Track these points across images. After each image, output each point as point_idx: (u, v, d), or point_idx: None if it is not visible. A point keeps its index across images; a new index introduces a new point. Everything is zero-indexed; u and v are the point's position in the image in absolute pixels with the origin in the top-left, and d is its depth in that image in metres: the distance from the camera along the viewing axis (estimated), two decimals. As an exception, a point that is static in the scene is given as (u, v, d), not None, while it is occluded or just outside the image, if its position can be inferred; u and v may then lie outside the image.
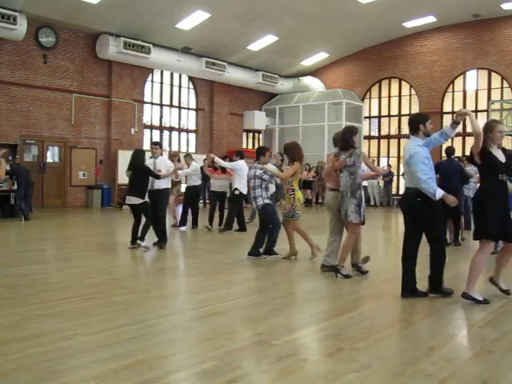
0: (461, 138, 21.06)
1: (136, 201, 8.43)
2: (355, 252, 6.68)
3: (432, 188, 5.09)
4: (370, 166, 7.29)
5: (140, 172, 8.45)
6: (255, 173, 7.86)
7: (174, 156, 12.12)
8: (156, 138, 19.98)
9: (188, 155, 12.05)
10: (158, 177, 8.59)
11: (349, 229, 6.49)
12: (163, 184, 8.88)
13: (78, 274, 6.55)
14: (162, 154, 9.36)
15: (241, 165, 11.09)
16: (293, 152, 7.58)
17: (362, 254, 6.82)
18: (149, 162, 8.79)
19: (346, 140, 6.52)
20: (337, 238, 6.81)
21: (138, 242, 8.44)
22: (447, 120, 21.35)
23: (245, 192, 10.95)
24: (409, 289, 5.37)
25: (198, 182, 11.56)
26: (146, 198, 8.56)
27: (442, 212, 5.37)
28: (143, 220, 8.65)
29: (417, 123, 5.69)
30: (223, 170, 11.59)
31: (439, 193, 5.11)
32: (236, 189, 10.89)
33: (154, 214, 8.61)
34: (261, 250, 7.88)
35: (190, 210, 11.62)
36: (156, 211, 8.68)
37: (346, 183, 6.38)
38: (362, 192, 6.52)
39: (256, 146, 24.41)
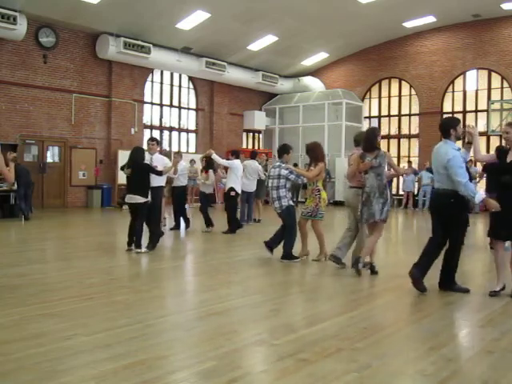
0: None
1: (139, 199, 8.07)
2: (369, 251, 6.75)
3: (472, 191, 5.32)
4: (393, 167, 7.26)
5: (140, 170, 8.16)
6: (280, 172, 7.54)
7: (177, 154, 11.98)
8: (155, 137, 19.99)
9: (178, 153, 11.84)
10: (160, 173, 8.34)
11: (375, 227, 6.57)
12: (156, 182, 8.60)
13: (77, 274, 6.55)
14: (161, 151, 9.24)
15: (236, 164, 11.07)
16: (316, 152, 7.61)
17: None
18: (145, 159, 8.51)
19: (370, 141, 6.56)
20: (352, 234, 6.98)
21: (137, 250, 8.05)
22: (447, 120, 21.35)
23: (240, 191, 10.99)
24: (421, 277, 5.63)
25: (184, 182, 11.32)
26: (149, 197, 8.25)
27: (467, 216, 5.76)
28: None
29: (448, 128, 5.68)
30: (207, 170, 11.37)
31: (479, 196, 5.35)
32: (232, 189, 10.82)
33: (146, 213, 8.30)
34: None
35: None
36: (149, 210, 8.39)
37: (372, 184, 6.42)
38: (388, 191, 6.64)
39: (256, 146, 24.45)
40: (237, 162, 11.16)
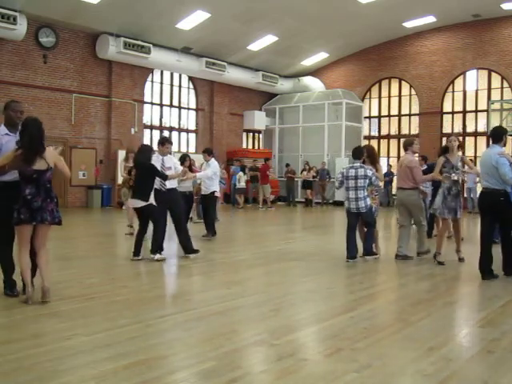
0: (461, 138, 21.05)
1: (139, 203, 7.50)
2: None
3: None
4: (470, 167, 7.88)
5: (144, 170, 7.56)
6: (366, 173, 7.65)
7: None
8: (156, 138, 19.99)
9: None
10: (165, 177, 7.68)
11: (443, 222, 7.73)
12: (168, 184, 7.96)
13: (77, 274, 6.54)
14: (170, 153, 8.34)
15: (216, 163, 10.41)
16: (374, 155, 8.38)
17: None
18: (155, 160, 7.83)
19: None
20: (407, 230, 7.94)
21: (151, 255, 7.43)
22: (447, 120, 21.38)
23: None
24: (486, 270, 6.39)
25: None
26: (151, 200, 7.60)
27: None
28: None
29: (501, 135, 6.54)
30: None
31: None
32: (215, 190, 10.25)
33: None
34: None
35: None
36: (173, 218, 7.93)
37: (456, 185, 7.45)
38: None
39: (256, 146, 24.46)
40: (215, 161, 10.42)
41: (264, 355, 3.72)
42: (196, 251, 7.79)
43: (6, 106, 5.24)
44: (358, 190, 7.64)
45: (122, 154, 16.92)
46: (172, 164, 8.07)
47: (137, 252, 7.49)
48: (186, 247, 7.79)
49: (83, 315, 4.60)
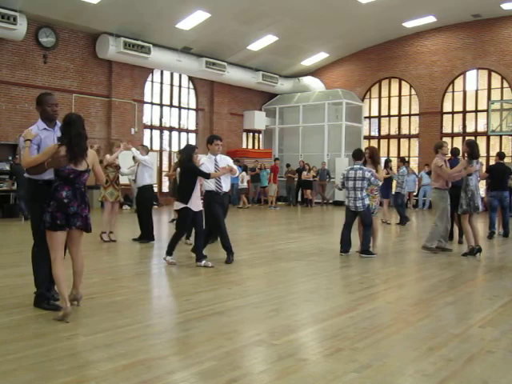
0: (461, 138, 21.07)
1: (177, 206, 7.25)
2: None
3: None
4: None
5: (185, 171, 7.25)
6: (364, 175, 8.06)
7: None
8: (156, 139, 20.00)
9: (143, 146, 10.09)
10: (207, 176, 7.23)
11: (474, 217, 8.36)
12: (225, 186, 7.51)
13: (78, 274, 6.53)
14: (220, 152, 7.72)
15: (151, 159, 9.95)
16: (376, 156, 8.80)
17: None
18: (207, 161, 7.41)
19: (476, 151, 8.28)
20: (445, 226, 8.63)
21: (164, 257, 7.29)
22: (447, 120, 21.39)
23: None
24: None
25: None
26: (190, 205, 7.11)
27: None
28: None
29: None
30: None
31: None
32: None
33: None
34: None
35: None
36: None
37: (476, 183, 8.29)
38: None
39: (256, 146, 24.45)
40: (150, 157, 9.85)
41: (264, 355, 3.72)
42: (231, 256, 7.43)
43: (39, 100, 4.84)
44: (357, 190, 8.08)
45: (121, 154, 16.94)
46: (225, 164, 7.52)
47: (169, 252, 7.23)
48: (228, 248, 7.48)
49: (83, 315, 4.60)
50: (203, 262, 7.10)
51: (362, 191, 8.07)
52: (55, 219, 4.42)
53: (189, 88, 21.25)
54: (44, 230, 4.49)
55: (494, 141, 20.21)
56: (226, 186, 7.53)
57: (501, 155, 11.22)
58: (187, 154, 7.21)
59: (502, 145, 20.20)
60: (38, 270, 4.78)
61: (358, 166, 8.12)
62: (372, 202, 8.39)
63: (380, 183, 8.75)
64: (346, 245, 8.23)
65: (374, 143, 23.07)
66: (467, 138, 20.64)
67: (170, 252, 7.24)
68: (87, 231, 4.70)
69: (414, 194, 20.16)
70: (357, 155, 8.27)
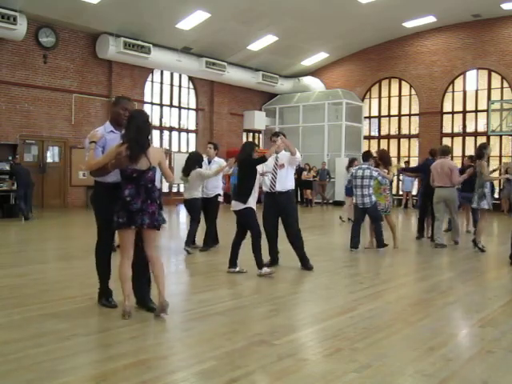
0: (461, 138, 21.07)
1: (236, 206, 6.62)
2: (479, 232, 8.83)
3: None
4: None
5: (243, 168, 6.69)
6: (370, 173, 8.61)
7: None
8: (156, 139, 20.00)
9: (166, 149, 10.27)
10: (264, 160, 6.72)
11: (483, 213, 8.76)
12: (279, 185, 7.14)
13: (77, 274, 6.54)
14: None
15: (222, 160, 9.59)
16: (388, 158, 9.47)
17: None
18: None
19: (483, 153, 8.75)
20: (440, 223, 9.27)
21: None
22: (447, 120, 21.38)
23: None
24: None
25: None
26: (250, 204, 6.59)
27: None
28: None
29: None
30: None
31: None
32: (219, 193, 9.46)
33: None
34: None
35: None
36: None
37: (487, 183, 8.66)
38: None
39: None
40: (221, 159, 9.66)
41: (264, 355, 3.72)
42: (311, 268, 6.98)
43: (116, 101, 4.83)
44: (364, 188, 8.60)
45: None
46: (286, 161, 7.16)
47: (232, 263, 6.72)
48: (304, 259, 7.09)
49: (83, 315, 4.60)
50: (263, 269, 6.46)
51: (369, 188, 8.60)
52: (118, 218, 4.43)
53: (189, 88, 21.25)
54: (106, 230, 4.70)
55: (494, 141, 20.19)
56: (280, 186, 7.08)
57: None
58: (247, 151, 6.70)
59: (502, 145, 20.20)
60: (97, 267, 4.92)
61: (366, 166, 8.73)
62: (384, 201, 8.99)
63: (388, 182, 9.20)
64: (355, 241, 8.68)
65: (373, 143, 23.08)
66: (467, 138, 20.72)
67: (260, 265, 6.49)
68: (155, 228, 4.54)
69: (413, 193, 20.13)
70: (365, 156, 9.03)
